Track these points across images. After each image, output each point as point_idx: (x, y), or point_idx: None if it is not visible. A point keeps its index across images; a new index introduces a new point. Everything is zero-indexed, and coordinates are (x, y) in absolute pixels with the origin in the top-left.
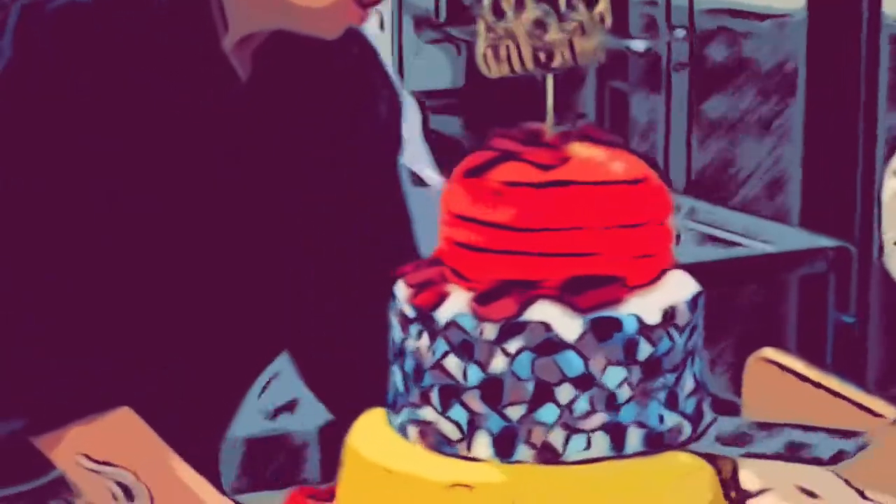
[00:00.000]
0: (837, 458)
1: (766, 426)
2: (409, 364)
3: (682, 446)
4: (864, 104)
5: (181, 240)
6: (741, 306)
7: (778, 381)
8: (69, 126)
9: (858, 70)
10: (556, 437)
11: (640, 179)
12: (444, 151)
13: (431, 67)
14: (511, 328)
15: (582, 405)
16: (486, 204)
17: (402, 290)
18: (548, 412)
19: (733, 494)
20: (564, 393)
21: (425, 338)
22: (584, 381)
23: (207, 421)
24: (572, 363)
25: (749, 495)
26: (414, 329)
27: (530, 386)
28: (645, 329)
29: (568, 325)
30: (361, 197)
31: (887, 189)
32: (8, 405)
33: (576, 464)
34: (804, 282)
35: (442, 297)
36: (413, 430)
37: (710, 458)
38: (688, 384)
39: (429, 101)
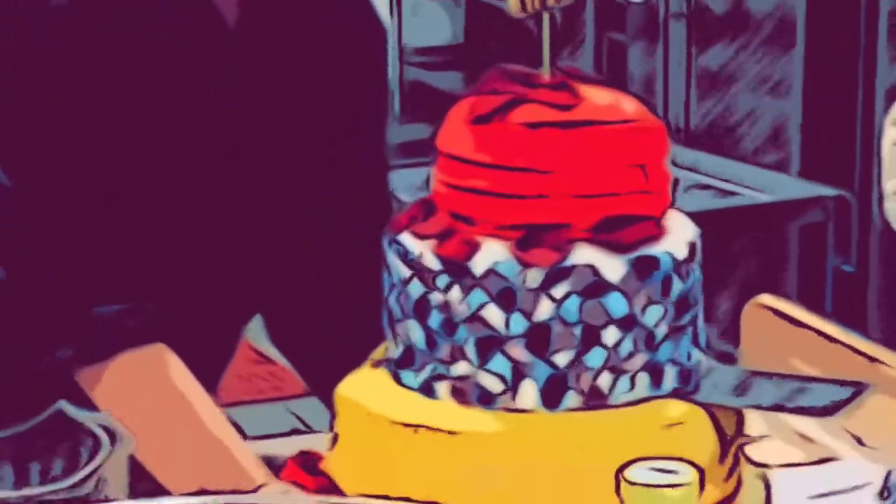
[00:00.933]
0: (831, 409)
1: (762, 376)
2: (436, 318)
3: (699, 384)
4: (863, 53)
5: (165, 198)
6: (740, 256)
7: (775, 328)
8: (60, 99)
9: (858, 19)
10: (604, 381)
11: (647, 118)
12: (443, 108)
13: (430, 23)
14: (557, 273)
15: (626, 346)
16: (506, 148)
17: (413, 241)
18: (595, 356)
19: (735, 446)
20: (610, 335)
21: (457, 290)
22: (628, 322)
23: None
24: (618, 304)
25: (749, 440)
26: (442, 281)
27: (578, 331)
28: (677, 265)
29: (612, 266)
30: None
31: (887, 138)
32: (59, 333)
33: (619, 407)
34: (803, 231)
35: (474, 246)
36: (443, 387)
37: (709, 408)
38: (700, 319)
39: (428, 57)
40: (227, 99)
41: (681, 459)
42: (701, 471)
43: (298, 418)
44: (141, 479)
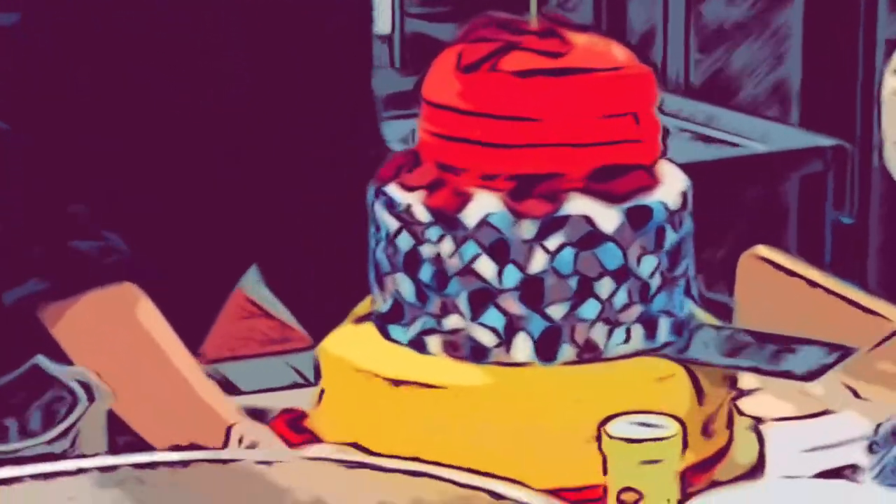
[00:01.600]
0: (814, 374)
1: (749, 335)
2: (427, 272)
3: (690, 337)
4: (864, 2)
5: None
6: (738, 207)
7: (771, 279)
8: (60, 85)
9: None
10: (598, 333)
11: (636, 64)
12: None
13: None
14: (551, 224)
15: (621, 298)
16: (496, 97)
17: (400, 193)
18: (590, 308)
19: (728, 400)
20: (605, 287)
21: (448, 242)
22: (623, 273)
23: None
24: (612, 255)
25: (743, 394)
26: (433, 233)
27: (573, 282)
28: (670, 215)
29: (607, 216)
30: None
31: (887, 88)
32: (29, 267)
33: (613, 360)
34: (803, 182)
35: (465, 198)
36: (434, 341)
37: (693, 367)
38: (691, 270)
39: (428, 8)
40: (224, 64)
41: (664, 414)
42: (684, 425)
43: (298, 372)
44: (121, 433)
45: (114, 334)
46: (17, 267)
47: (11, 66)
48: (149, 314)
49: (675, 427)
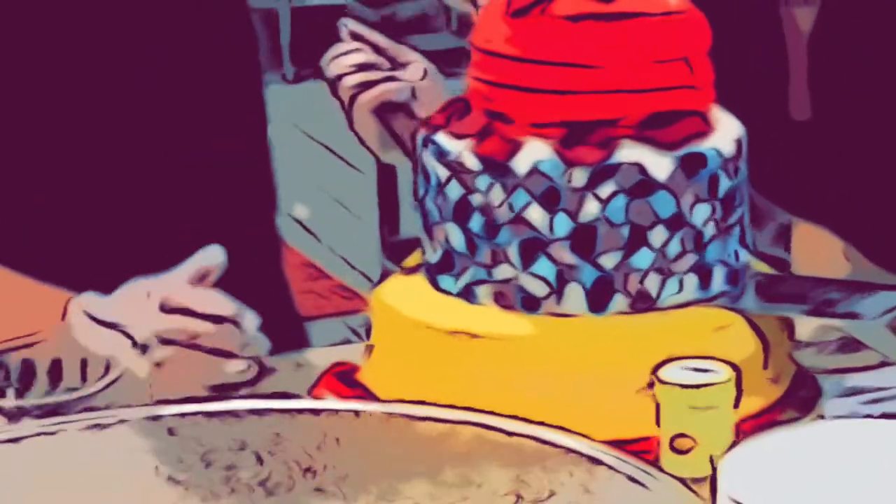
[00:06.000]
0: (880, 315)
1: (811, 281)
2: (477, 221)
3: (746, 286)
4: None
5: None
6: None
7: (829, 234)
8: None
9: None
10: (652, 283)
11: (689, 10)
12: None
13: None
14: (602, 171)
15: (674, 247)
16: (546, 42)
17: (450, 141)
18: (643, 257)
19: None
20: (657, 236)
21: (498, 190)
22: (676, 222)
23: None
24: (665, 203)
25: (800, 345)
26: (482, 182)
27: (625, 231)
28: (724, 162)
29: (659, 163)
30: None
31: None
32: None
33: (667, 309)
34: None
35: (515, 145)
36: (485, 291)
37: (752, 315)
38: (746, 219)
39: None
40: None
41: (717, 359)
42: (738, 371)
43: (355, 333)
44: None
45: None
46: None
47: None
48: None
49: (728, 373)
